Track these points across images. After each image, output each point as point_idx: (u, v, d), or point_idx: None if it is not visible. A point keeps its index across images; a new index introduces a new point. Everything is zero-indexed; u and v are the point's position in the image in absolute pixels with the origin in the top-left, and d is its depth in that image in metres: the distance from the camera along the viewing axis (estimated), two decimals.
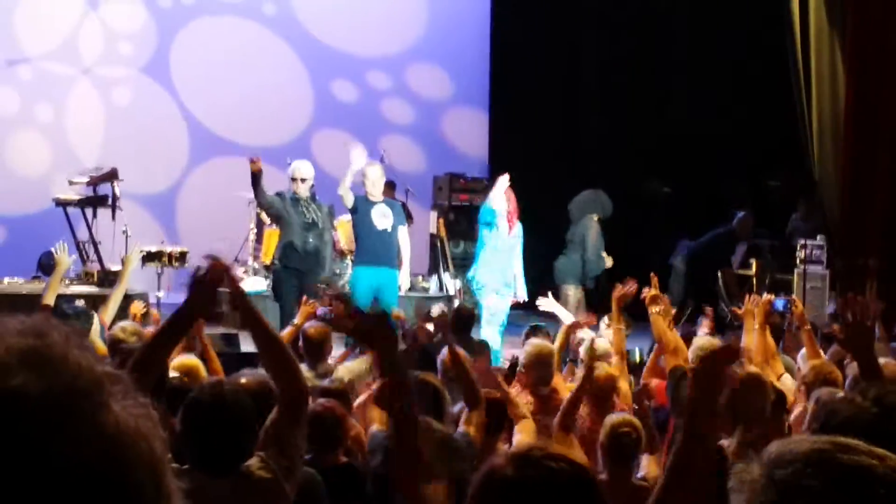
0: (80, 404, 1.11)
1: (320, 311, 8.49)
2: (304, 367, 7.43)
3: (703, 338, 6.69)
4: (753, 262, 14.11)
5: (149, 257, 13.27)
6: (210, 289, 3.86)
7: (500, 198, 11.49)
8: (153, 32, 16.88)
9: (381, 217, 11.53)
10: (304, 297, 8.91)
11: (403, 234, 11.80)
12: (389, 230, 11.56)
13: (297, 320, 8.05)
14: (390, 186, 15.80)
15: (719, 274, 14.17)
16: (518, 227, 11.67)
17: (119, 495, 1.10)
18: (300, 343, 7.74)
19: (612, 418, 5.54)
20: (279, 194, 11.58)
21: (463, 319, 9.54)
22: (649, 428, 5.85)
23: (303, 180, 11.51)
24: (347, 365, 7.54)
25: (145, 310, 9.06)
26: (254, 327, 3.95)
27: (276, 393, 4.21)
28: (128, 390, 1.16)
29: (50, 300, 8.25)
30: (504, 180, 11.52)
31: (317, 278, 11.56)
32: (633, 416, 5.72)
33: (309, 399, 4.16)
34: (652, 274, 7.79)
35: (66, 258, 8.86)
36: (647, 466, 5.61)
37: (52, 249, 9.24)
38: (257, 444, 3.91)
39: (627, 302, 7.89)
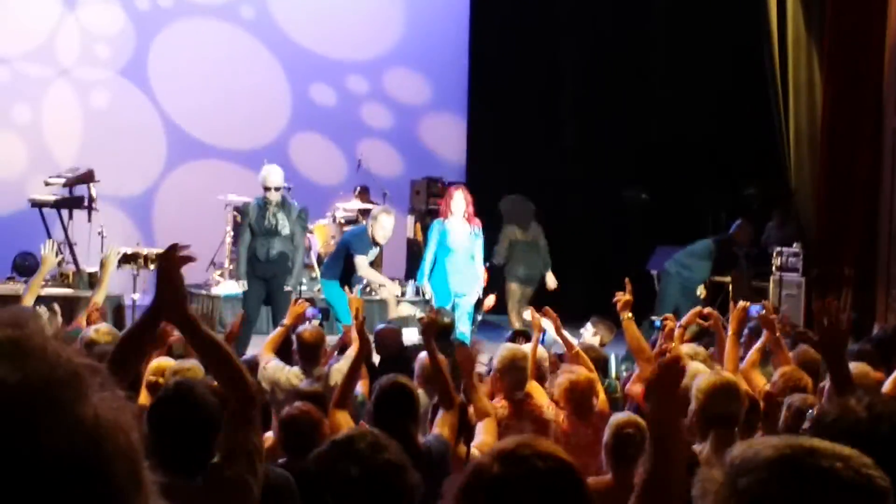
0: (59, 395, 1.11)
1: (309, 311, 8.51)
2: (297, 370, 7.48)
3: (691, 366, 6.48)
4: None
5: (125, 259, 13.25)
6: (176, 283, 3.82)
7: (455, 206, 11.94)
8: (131, 35, 16.83)
9: (371, 255, 11.83)
10: (295, 298, 8.96)
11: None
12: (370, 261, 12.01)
13: (286, 320, 8.07)
14: (365, 191, 15.81)
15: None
16: (475, 227, 12.07)
17: (96, 485, 1.10)
18: (294, 346, 7.77)
19: (617, 418, 5.51)
20: (243, 209, 11.71)
21: (442, 326, 9.54)
22: None
23: (276, 189, 11.57)
24: (339, 367, 7.54)
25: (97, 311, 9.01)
26: (191, 333, 3.87)
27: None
28: (106, 383, 1.16)
29: (29, 301, 8.20)
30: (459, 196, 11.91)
31: (283, 283, 11.65)
32: (638, 417, 5.68)
33: (257, 402, 4.12)
34: (626, 279, 7.75)
35: (52, 257, 8.82)
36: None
37: (41, 246, 9.20)
38: (216, 446, 3.90)
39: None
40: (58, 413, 1.10)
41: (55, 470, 1.08)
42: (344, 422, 5.52)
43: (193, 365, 6.18)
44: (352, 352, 7.62)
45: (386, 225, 11.72)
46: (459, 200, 11.95)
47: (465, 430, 5.91)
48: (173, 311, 3.81)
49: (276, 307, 11.57)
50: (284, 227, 11.59)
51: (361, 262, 11.65)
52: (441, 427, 5.60)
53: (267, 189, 11.56)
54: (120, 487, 1.12)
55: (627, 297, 7.46)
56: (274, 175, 11.69)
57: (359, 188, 15.95)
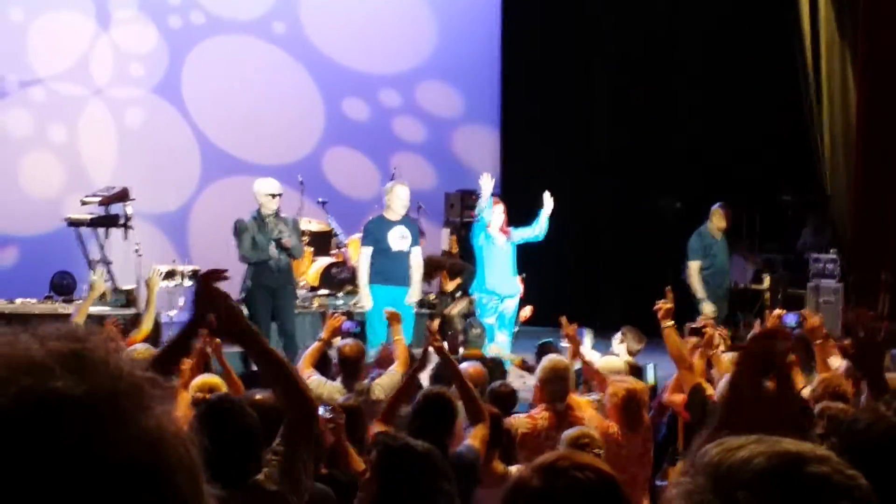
0: (122, 406, 1.12)
1: (346, 325, 8.51)
2: (338, 385, 7.50)
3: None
4: (766, 276, 14.07)
5: (161, 277, 13.33)
6: (211, 298, 3.88)
7: (489, 211, 12.02)
8: (164, 53, 16.92)
9: (400, 238, 11.73)
10: (330, 312, 8.95)
11: (416, 254, 11.99)
12: (406, 250, 11.75)
13: (323, 334, 8.09)
14: None
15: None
16: (512, 236, 12.16)
17: (160, 497, 1.11)
18: (335, 360, 7.78)
19: (570, 433, 5.51)
20: (240, 224, 11.59)
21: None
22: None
23: (273, 196, 11.54)
24: (380, 382, 7.56)
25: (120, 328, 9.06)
26: (251, 347, 3.92)
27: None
28: (166, 396, 1.17)
29: (79, 322, 8.27)
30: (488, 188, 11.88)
31: (289, 294, 11.65)
32: (593, 431, 5.68)
33: (316, 418, 4.13)
34: (668, 288, 7.67)
35: (101, 282, 8.91)
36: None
37: (91, 272, 9.29)
38: (265, 460, 3.91)
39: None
40: (122, 425, 1.11)
41: (120, 481, 1.09)
42: None
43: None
44: (397, 368, 7.65)
45: (401, 195, 11.83)
46: (500, 213, 12.04)
47: (499, 444, 5.93)
48: (232, 326, 3.85)
49: (285, 317, 11.57)
50: (286, 237, 11.59)
51: (364, 252, 11.74)
52: (473, 438, 5.65)
53: (272, 196, 11.53)
54: (182, 499, 1.13)
55: (669, 304, 7.38)
56: (274, 184, 11.71)
57: None
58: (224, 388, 6.27)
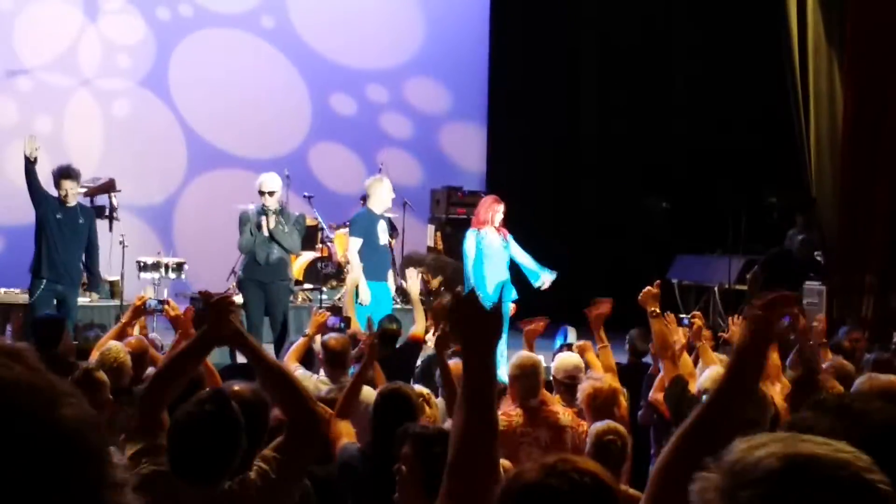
0: (47, 395, 1.28)
1: (331, 321, 8.51)
2: (324, 378, 7.48)
3: (715, 369, 6.32)
4: (749, 277, 14.06)
5: (145, 268, 13.32)
6: (224, 312, 3.90)
7: (497, 217, 11.66)
8: (152, 45, 16.89)
9: (383, 233, 11.65)
10: (315, 308, 8.93)
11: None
12: (386, 244, 11.73)
13: (308, 330, 8.08)
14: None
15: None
16: (505, 237, 11.78)
17: (76, 476, 1.26)
18: (321, 355, 7.76)
19: (598, 427, 5.51)
20: (242, 216, 11.56)
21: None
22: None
23: (270, 193, 11.48)
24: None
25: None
26: (243, 351, 3.92)
27: (268, 402, 4.22)
28: (78, 393, 1.33)
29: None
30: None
31: (281, 289, 11.64)
32: (619, 425, 5.68)
33: (322, 423, 4.11)
34: (657, 281, 7.58)
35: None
36: None
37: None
38: (255, 461, 3.87)
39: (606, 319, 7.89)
40: (48, 410, 1.27)
41: (48, 456, 1.24)
42: (345, 431, 5.53)
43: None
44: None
45: (388, 188, 11.75)
46: (500, 212, 11.66)
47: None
48: (223, 331, 3.86)
49: (276, 311, 11.53)
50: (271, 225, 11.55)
51: (355, 244, 11.54)
52: None
53: (262, 194, 11.48)
54: (94, 478, 1.28)
55: (655, 290, 7.29)
56: (271, 180, 11.64)
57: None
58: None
